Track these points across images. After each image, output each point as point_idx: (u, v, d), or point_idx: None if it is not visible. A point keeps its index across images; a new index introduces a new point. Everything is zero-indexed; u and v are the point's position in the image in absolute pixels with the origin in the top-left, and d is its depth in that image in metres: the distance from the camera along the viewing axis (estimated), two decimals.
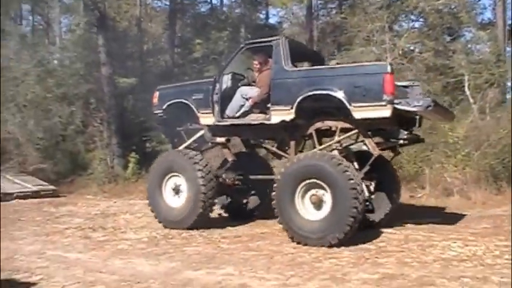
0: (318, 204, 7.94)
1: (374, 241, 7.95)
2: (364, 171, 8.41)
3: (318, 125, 8.69)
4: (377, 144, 8.46)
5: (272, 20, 27.31)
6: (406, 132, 8.69)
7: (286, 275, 5.99)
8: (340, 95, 7.96)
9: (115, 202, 11.80)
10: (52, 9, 25.58)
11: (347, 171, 7.68)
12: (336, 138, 8.67)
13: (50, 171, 19.17)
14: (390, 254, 7.04)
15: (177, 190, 9.52)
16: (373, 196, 9.05)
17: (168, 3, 24.45)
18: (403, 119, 8.48)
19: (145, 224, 10.02)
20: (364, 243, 7.80)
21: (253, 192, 10.23)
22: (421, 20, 17.13)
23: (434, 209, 11.41)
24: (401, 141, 8.85)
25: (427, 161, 13.63)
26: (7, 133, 21.12)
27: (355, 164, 8.62)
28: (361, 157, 8.73)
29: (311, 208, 8.03)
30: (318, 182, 7.88)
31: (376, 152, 8.28)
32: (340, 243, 7.56)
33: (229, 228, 9.41)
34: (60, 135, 20.40)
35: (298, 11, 19.78)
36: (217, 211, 10.37)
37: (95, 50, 20.58)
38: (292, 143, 9.00)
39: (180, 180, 9.47)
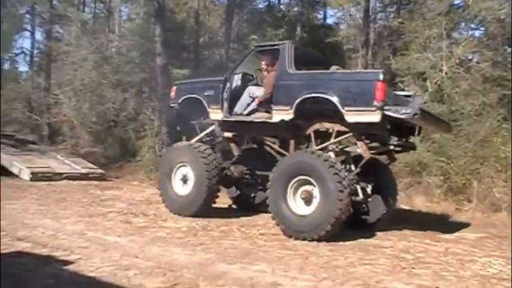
0: (308, 199, 8.45)
1: (412, 250, 7.81)
2: (355, 172, 8.87)
3: (317, 126, 9.16)
4: (370, 148, 8.95)
5: (329, 21, 27.09)
6: (396, 139, 9.20)
7: (319, 277, 5.94)
8: (334, 98, 8.44)
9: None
10: None
11: (333, 166, 8.19)
12: (332, 140, 9.14)
13: (100, 155, 19.57)
14: (427, 265, 6.89)
15: (184, 179, 10.12)
16: (370, 199, 9.53)
17: None
18: (402, 127, 9.02)
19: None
20: (402, 252, 7.68)
21: (260, 187, 10.40)
22: (481, 28, 16.66)
23: (480, 224, 11.11)
24: (391, 147, 9.35)
25: (476, 174, 13.28)
26: (62, 115, 21.67)
27: (352, 166, 9.22)
28: (359, 160, 8.95)
29: (302, 203, 8.54)
30: (308, 178, 8.42)
31: (367, 155, 8.66)
32: (328, 237, 8.07)
33: (269, 225, 9.37)
34: (112, 120, 20.74)
35: (355, 12, 19.52)
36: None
37: (151, 39, 20.77)
38: (292, 141, 9.48)
39: (187, 170, 10.07)
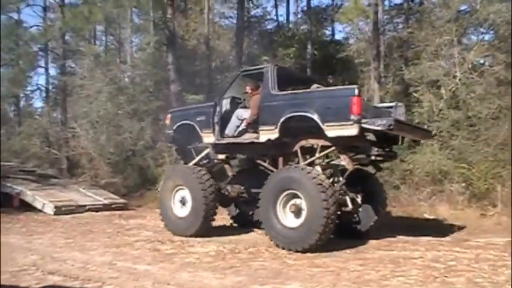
0: (296, 212, 8.88)
1: (443, 259, 7.73)
2: (341, 183, 9.40)
3: (302, 142, 9.63)
4: (354, 160, 9.51)
5: (338, 36, 27.19)
6: (376, 149, 9.65)
7: None
8: (315, 116, 8.91)
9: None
10: (124, 29, 26.28)
11: (315, 178, 8.64)
12: (317, 154, 9.58)
13: (120, 185, 19.60)
14: (460, 273, 6.82)
15: (183, 201, 10.66)
16: (360, 208, 10.01)
17: (235, 21, 24.77)
18: (386, 138, 9.48)
19: (211, 238, 10.08)
20: (432, 261, 7.60)
21: (258, 205, 10.40)
22: (491, 32, 16.56)
23: (507, 228, 10.95)
24: (372, 157, 9.80)
25: (498, 178, 13.12)
26: (80, 148, 21.80)
27: (340, 177, 9.65)
28: (350, 172, 9.37)
29: (291, 216, 8.98)
30: (295, 192, 8.89)
31: (350, 166, 9.18)
32: (315, 248, 8.50)
33: None
34: (130, 150, 20.75)
35: (364, 26, 19.54)
36: None
37: (164, 67, 20.97)
38: (281, 159, 10.00)
39: (185, 193, 10.60)
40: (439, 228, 10.95)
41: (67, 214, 14.52)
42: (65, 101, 26.31)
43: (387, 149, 10.02)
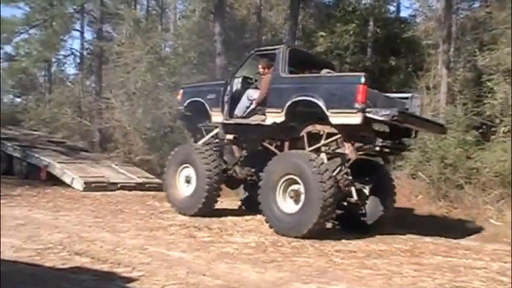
0: (295, 198, 9.66)
1: (510, 273, 7.58)
2: (343, 172, 10.01)
3: (309, 128, 10.36)
4: (357, 149, 10.00)
5: (404, 13, 26.77)
6: (381, 140, 9.98)
7: None
8: (320, 101, 9.58)
9: (222, 202, 12.06)
10: None
11: (316, 166, 9.31)
12: (322, 141, 10.18)
13: (156, 163, 19.67)
14: None
15: (188, 180, 11.58)
16: (367, 200, 10.68)
17: None
18: (398, 129, 10.12)
19: (253, 228, 10.22)
20: (498, 273, 7.49)
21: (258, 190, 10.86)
22: None
23: None
24: (377, 148, 10.10)
25: None
26: (115, 121, 22.06)
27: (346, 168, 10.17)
28: (355, 161, 10.02)
29: (290, 202, 9.76)
30: (294, 177, 9.61)
31: (353, 156, 9.80)
32: (313, 235, 9.22)
33: (344, 241, 9.42)
34: (168, 126, 20.81)
35: (434, 3, 19.11)
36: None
37: (210, 38, 20.98)
38: (287, 143, 10.72)
39: (190, 171, 11.53)
40: (507, 237, 10.76)
41: (97, 191, 14.81)
42: (100, 69, 26.58)
43: (396, 141, 10.49)
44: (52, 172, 16.21)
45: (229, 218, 11.28)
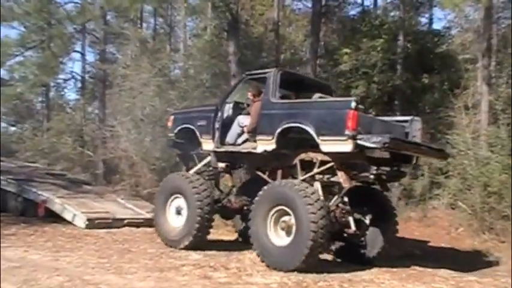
0: (287, 230, 10.01)
1: None
2: (336, 202, 10.41)
3: (302, 156, 10.76)
4: (352, 178, 10.38)
5: (437, 25, 26.63)
6: (375, 168, 10.44)
7: None
8: (310, 128, 10.04)
9: (239, 239, 11.97)
10: (176, 10, 26.62)
11: (306, 196, 9.64)
12: (315, 169, 10.54)
13: None
14: None
15: (179, 211, 12.05)
16: (367, 231, 11.13)
17: (310, 5, 24.51)
18: (398, 155, 10.45)
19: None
20: None
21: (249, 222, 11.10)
22: None
23: None
24: (371, 176, 10.58)
25: None
26: (120, 151, 22.04)
27: (344, 196, 10.53)
28: (352, 190, 10.41)
29: (282, 234, 10.13)
30: (285, 208, 9.98)
31: (347, 184, 10.11)
32: (306, 268, 9.50)
33: (376, 280, 9.41)
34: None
35: (472, 12, 18.92)
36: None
37: (224, 58, 21.04)
38: (279, 172, 11.19)
39: (181, 202, 12.00)
40: None
41: (101, 228, 14.68)
42: (104, 94, 26.74)
43: (395, 168, 11.03)
44: (51, 208, 16.10)
45: (248, 256, 11.10)
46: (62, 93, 35.09)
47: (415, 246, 13.83)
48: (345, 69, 20.52)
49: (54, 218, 15.68)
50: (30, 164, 23.38)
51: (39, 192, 16.83)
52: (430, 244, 14.11)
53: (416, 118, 11.47)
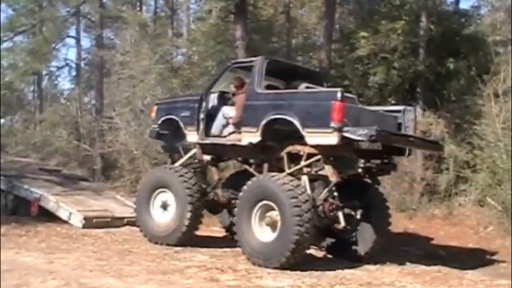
0: (272, 225, 10.34)
1: None
2: (323, 197, 10.75)
3: (289, 148, 11.07)
4: (339, 171, 10.64)
5: (464, 4, 26.41)
6: (363, 161, 11.03)
7: None
8: (295, 120, 10.38)
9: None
10: None
11: (291, 190, 9.99)
12: (302, 163, 10.87)
13: None
14: None
15: (164, 206, 12.36)
16: (358, 226, 11.45)
17: None
18: (390, 147, 10.98)
19: (286, 267, 10.04)
20: None
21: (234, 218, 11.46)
22: None
23: None
24: (359, 170, 11.13)
25: None
26: (119, 144, 22.06)
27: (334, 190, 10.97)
28: (346, 184, 10.92)
29: (267, 230, 10.48)
30: (269, 203, 10.33)
31: (334, 178, 10.48)
32: (291, 265, 9.86)
33: (398, 283, 9.40)
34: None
35: None
36: None
37: (230, 43, 21.00)
38: (265, 165, 11.55)
39: (168, 196, 12.29)
40: None
41: (99, 228, 14.66)
42: (101, 83, 26.80)
43: (385, 161, 11.53)
44: (45, 206, 16.14)
45: None
46: (56, 82, 35.22)
47: (440, 246, 13.83)
48: (362, 55, 20.39)
49: (48, 217, 15.68)
50: (21, 159, 23.45)
51: (32, 190, 16.86)
52: (456, 244, 14.07)
53: (409, 108, 11.88)
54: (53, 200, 16.05)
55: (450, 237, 14.59)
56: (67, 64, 31.42)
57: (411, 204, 16.39)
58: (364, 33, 20.55)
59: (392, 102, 18.98)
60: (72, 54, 51.31)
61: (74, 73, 31.25)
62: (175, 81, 21.24)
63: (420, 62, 19.70)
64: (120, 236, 13.63)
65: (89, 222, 14.87)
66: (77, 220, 15.03)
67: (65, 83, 55.95)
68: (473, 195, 15.47)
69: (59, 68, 32.11)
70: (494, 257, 12.73)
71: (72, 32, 29.60)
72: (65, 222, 15.23)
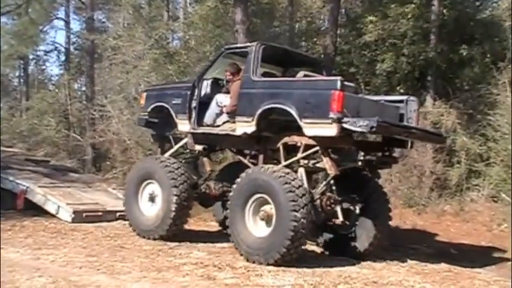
0: (267, 220, 10.45)
1: None
2: (321, 190, 10.88)
3: (286, 139, 11.19)
4: (338, 164, 10.74)
5: None
6: (362, 154, 11.13)
7: None
8: (292, 110, 10.45)
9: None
10: None
11: (287, 183, 10.06)
12: (299, 154, 10.99)
13: None
14: None
15: (152, 198, 12.53)
16: (357, 222, 11.50)
17: None
18: (393, 139, 11.18)
19: (287, 265, 10.08)
20: None
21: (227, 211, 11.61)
22: None
23: None
24: (359, 163, 11.21)
25: None
26: (111, 134, 22.07)
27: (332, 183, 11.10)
28: (341, 177, 10.85)
29: (262, 225, 10.58)
30: (264, 196, 10.43)
31: (332, 171, 10.55)
32: (287, 262, 9.97)
33: (405, 283, 9.43)
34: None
35: None
36: None
37: (230, 28, 20.95)
38: (260, 156, 11.67)
39: (155, 188, 12.46)
40: None
41: (90, 222, 14.63)
42: (92, 69, 26.68)
43: (386, 153, 11.64)
44: (32, 199, 16.07)
45: None
46: (43, 67, 35.10)
47: (451, 244, 13.87)
48: (369, 40, 20.39)
49: (35, 210, 15.63)
50: (7, 149, 23.39)
51: (18, 181, 16.76)
52: (468, 242, 14.10)
53: (412, 98, 11.85)
54: (41, 193, 15.98)
55: (461, 234, 14.62)
56: (55, 48, 31.42)
57: (420, 200, 16.40)
58: (372, 18, 20.54)
59: (401, 91, 19.02)
60: (61, 38, 51.89)
61: (62, 58, 31.27)
62: (171, 67, 21.18)
63: (431, 49, 19.71)
64: (112, 231, 13.60)
65: (79, 217, 14.81)
66: (65, 214, 14.97)
67: (53, 68, 55.86)
68: (486, 190, 15.50)
69: (46, 52, 32.11)
70: (508, 256, 12.74)
71: (61, 14, 29.58)
72: (53, 216, 15.16)
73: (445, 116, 17.62)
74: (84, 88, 27.76)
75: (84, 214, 14.95)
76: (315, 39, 23.83)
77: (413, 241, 13.70)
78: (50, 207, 15.47)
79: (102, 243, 11.93)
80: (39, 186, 16.39)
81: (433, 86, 19.28)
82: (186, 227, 12.73)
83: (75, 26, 32.41)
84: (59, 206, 15.25)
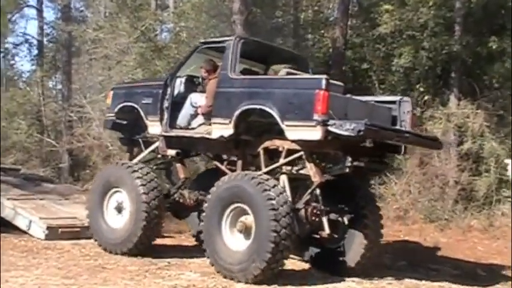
0: (246, 232, 10.55)
1: None
2: (305, 200, 10.84)
3: (267, 143, 11.33)
4: (323, 171, 11.04)
5: None
6: (350, 160, 10.91)
7: None
8: (273, 111, 10.59)
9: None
10: None
11: (267, 190, 10.17)
12: (281, 160, 11.15)
13: None
14: None
15: (119, 208, 12.64)
16: (346, 234, 11.61)
17: None
18: (387, 145, 11.27)
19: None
20: None
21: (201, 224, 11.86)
22: None
23: None
24: (346, 170, 11.02)
25: None
26: (91, 138, 22.06)
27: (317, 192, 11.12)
28: (332, 185, 11.16)
29: (240, 237, 10.70)
30: (243, 206, 10.56)
31: (316, 179, 10.64)
32: (267, 278, 10.10)
33: None
34: None
35: None
36: None
37: (227, 18, 20.99)
38: (239, 162, 11.88)
39: (122, 197, 12.56)
40: None
41: (66, 239, 14.55)
42: (69, 64, 26.77)
43: (377, 159, 11.74)
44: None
45: None
46: (12, 62, 35.05)
47: (478, 264, 13.84)
48: (385, 32, 20.43)
49: (3, 226, 15.63)
50: None
51: None
52: (497, 262, 14.08)
53: (405, 99, 12.05)
54: (10, 206, 15.86)
55: (491, 253, 14.62)
56: (26, 40, 31.42)
57: (443, 214, 16.45)
58: (387, 6, 20.60)
59: (421, 89, 19.04)
60: (32, 29, 51.60)
61: (35, 51, 31.23)
62: (160, 63, 21.15)
63: (455, 41, 19.72)
64: (92, 249, 13.50)
65: (53, 233, 14.70)
66: (38, 230, 14.87)
67: (24, 64, 56.06)
68: None
69: (16, 45, 32.11)
70: None
71: (33, 1, 29.59)
72: (24, 232, 15.07)
73: (471, 118, 17.66)
74: (59, 86, 27.88)
75: (59, 230, 14.82)
76: (323, 31, 23.93)
77: (435, 261, 13.68)
78: (20, 223, 15.33)
79: (81, 264, 11.84)
80: (8, 199, 16.27)
81: (457, 83, 19.32)
82: (177, 242, 12.70)
83: (49, 15, 32.42)
84: (30, 221, 15.14)
